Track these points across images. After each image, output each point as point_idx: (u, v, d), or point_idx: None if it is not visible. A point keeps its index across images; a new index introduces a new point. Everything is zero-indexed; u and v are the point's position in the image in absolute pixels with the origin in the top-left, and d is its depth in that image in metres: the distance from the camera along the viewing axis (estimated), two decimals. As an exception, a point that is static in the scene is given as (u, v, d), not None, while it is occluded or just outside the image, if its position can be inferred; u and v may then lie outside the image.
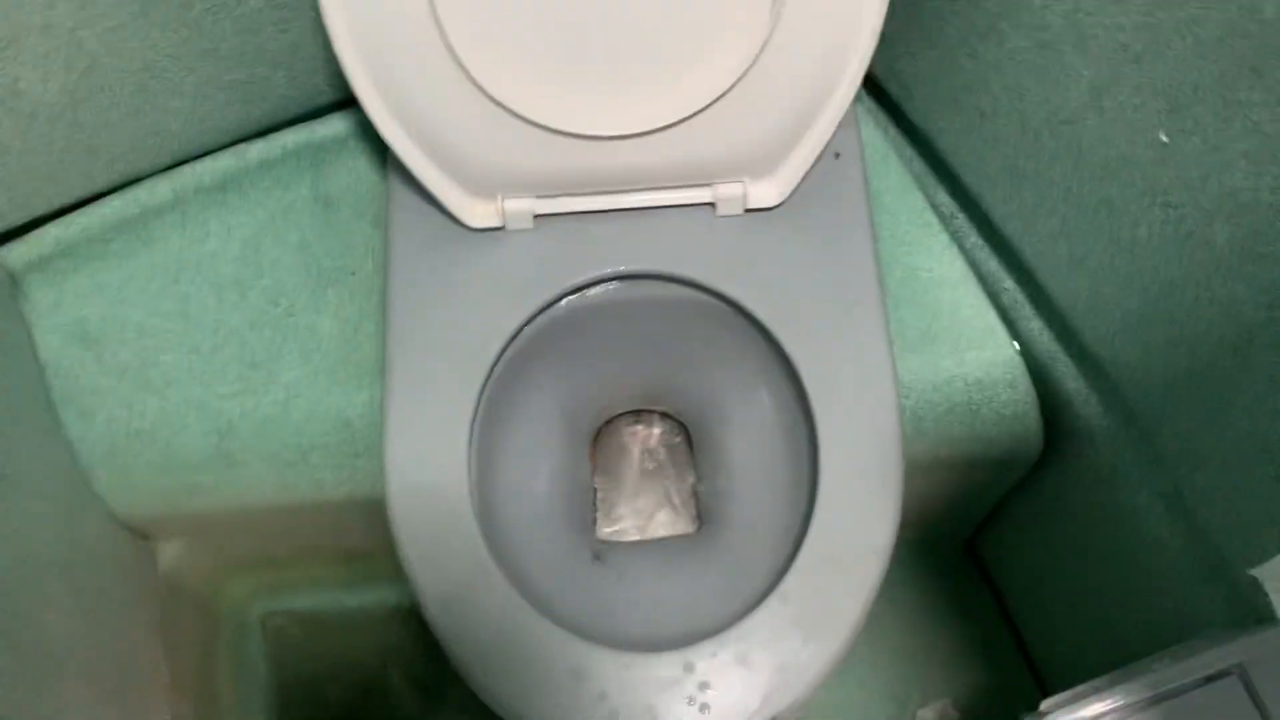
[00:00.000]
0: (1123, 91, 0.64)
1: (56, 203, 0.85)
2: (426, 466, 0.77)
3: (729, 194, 0.81)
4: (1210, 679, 0.62)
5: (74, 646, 0.77)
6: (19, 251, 0.85)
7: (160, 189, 0.88)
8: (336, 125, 0.91)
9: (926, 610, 1.16)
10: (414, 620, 1.15)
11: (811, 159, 0.79)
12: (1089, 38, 0.65)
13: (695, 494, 0.92)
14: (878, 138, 0.92)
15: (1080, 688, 0.65)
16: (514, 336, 0.81)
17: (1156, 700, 0.62)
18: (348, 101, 0.91)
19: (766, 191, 0.82)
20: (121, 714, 0.83)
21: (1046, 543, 0.99)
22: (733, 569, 0.83)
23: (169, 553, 0.96)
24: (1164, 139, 0.62)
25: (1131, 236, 0.69)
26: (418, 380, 0.79)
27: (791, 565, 0.73)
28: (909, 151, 0.93)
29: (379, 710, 1.14)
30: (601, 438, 0.94)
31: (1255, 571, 0.57)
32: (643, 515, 0.92)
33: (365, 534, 0.95)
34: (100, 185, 0.86)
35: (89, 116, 0.78)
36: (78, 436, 0.84)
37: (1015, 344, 0.87)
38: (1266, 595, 0.63)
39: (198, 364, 0.86)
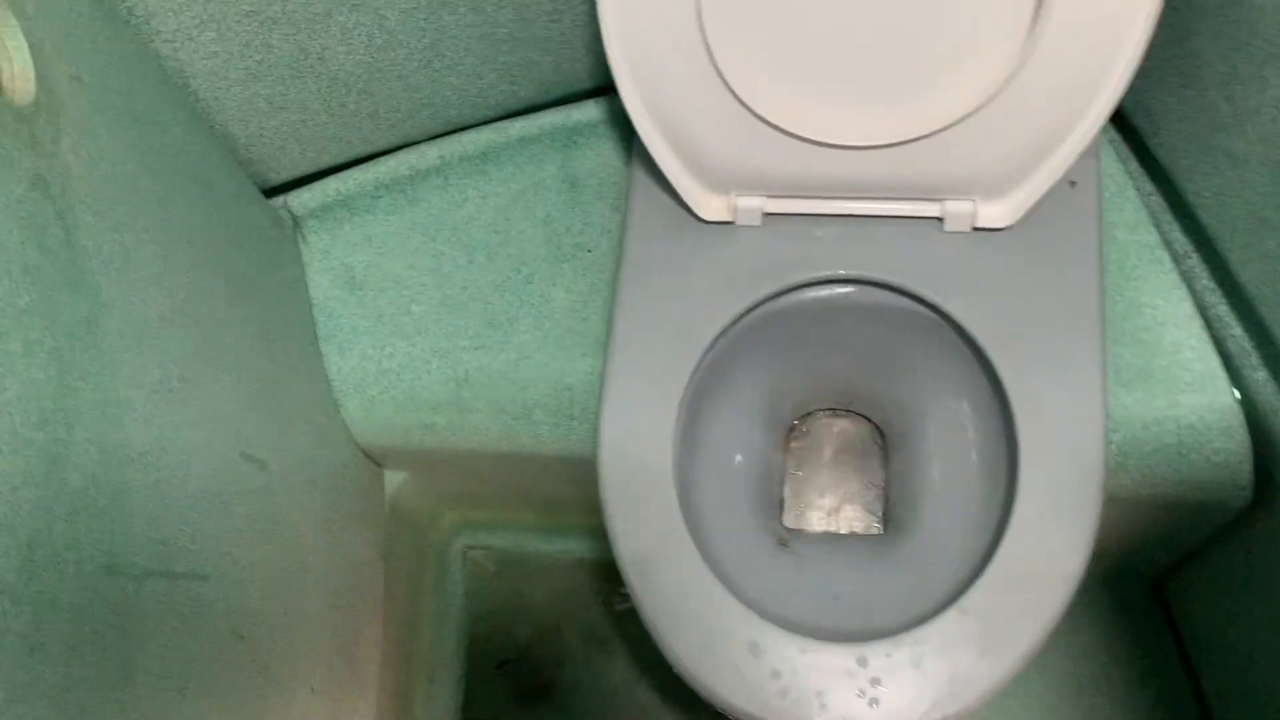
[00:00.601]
0: (1388, 155, 0.63)
1: (340, 158, 0.96)
2: (636, 436, 0.83)
3: (958, 211, 0.83)
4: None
5: (316, 554, 0.87)
6: (304, 198, 0.96)
7: (429, 154, 0.97)
8: (590, 111, 0.98)
9: (1104, 642, 1.15)
10: (598, 571, 1.23)
11: (1047, 186, 0.80)
12: (1360, 97, 0.63)
13: (885, 496, 0.95)
14: (1116, 169, 0.91)
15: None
16: (731, 325, 0.85)
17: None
18: (603, 90, 0.98)
19: (997, 213, 0.83)
20: (347, 622, 0.94)
21: (1242, 597, 0.96)
22: (914, 574, 0.85)
23: (396, 481, 1.06)
24: None
25: (1378, 302, 0.67)
26: (637, 356, 0.85)
27: (977, 580, 0.75)
28: (1148, 186, 0.92)
29: (559, 649, 1.22)
30: (799, 430, 0.97)
31: None
32: (830, 510, 0.95)
33: (569, 488, 1.03)
34: (378, 146, 0.96)
35: (379, 86, 0.87)
36: (334, 369, 0.95)
37: (1236, 392, 0.85)
38: None
39: (444, 316, 0.94)
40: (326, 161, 0.95)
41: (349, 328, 0.95)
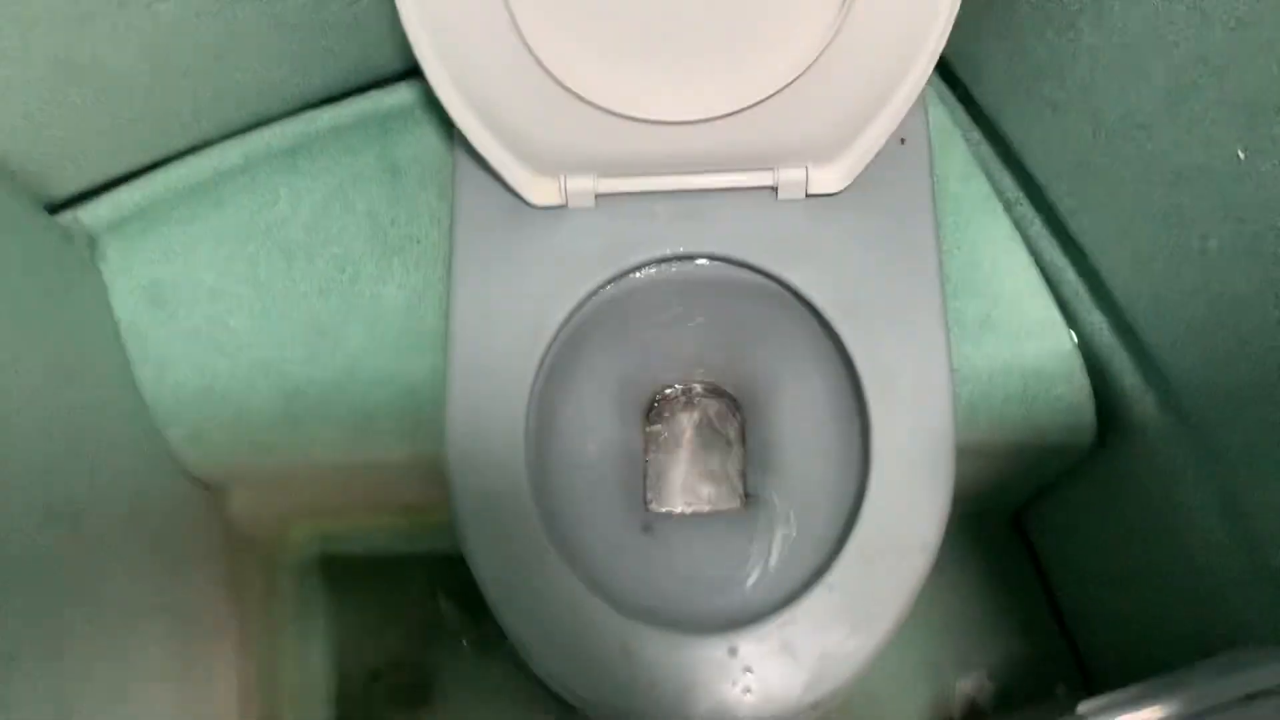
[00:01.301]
0: (1200, 103, 0.63)
1: (132, 164, 0.87)
2: (485, 435, 0.79)
3: (790, 179, 0.81)
4: (1252, 697, 0.62)
5: (150, 598, 0.81)
6: (97, 212, 0.87)
7: (230, 153, 0.89)
8: (404, 94, 0.92)
9: (968, 581, 1.18)
10: (464, 565, 1.20)
11: (876, 147, 0.79)
12: (1169, 45, 0.63)
13: (743, 472, 0.93)
14: (945, 119, 0.91)
15: (1118, 694, 0.66)
16: (574, 311, 0.82)
17: (1195, 715, 0.63)
18: (417, 70, 0.91)
19: (829, 177, 0.81)
20: (196, 661, 0.88)
21: (1096, 527, 0.99)
22: (780, 551, 0.85)
23: (236, 504, 1.00)
24: (1241, 155, 0.61)
25: (1201, 247, 0.68)
26: (479, 350, 0.81)
27: (839, 555, 0.75)
28: (975, 135, 0.91)
29: (434, 651, 1.18)
30: (655, 411, 0.95)
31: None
32: (692, 489, 0.94)
33: (423, 489, 0.98)
34: (173, 148, 0.88)
35: (163, 84, 0.80)
36: (151, 395, 0.87)
37: (1073, 336, 0.86)
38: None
39: (266, 328, 0.88)
40: (117, 170, 0.87)
41: (162, 349, 0.87)
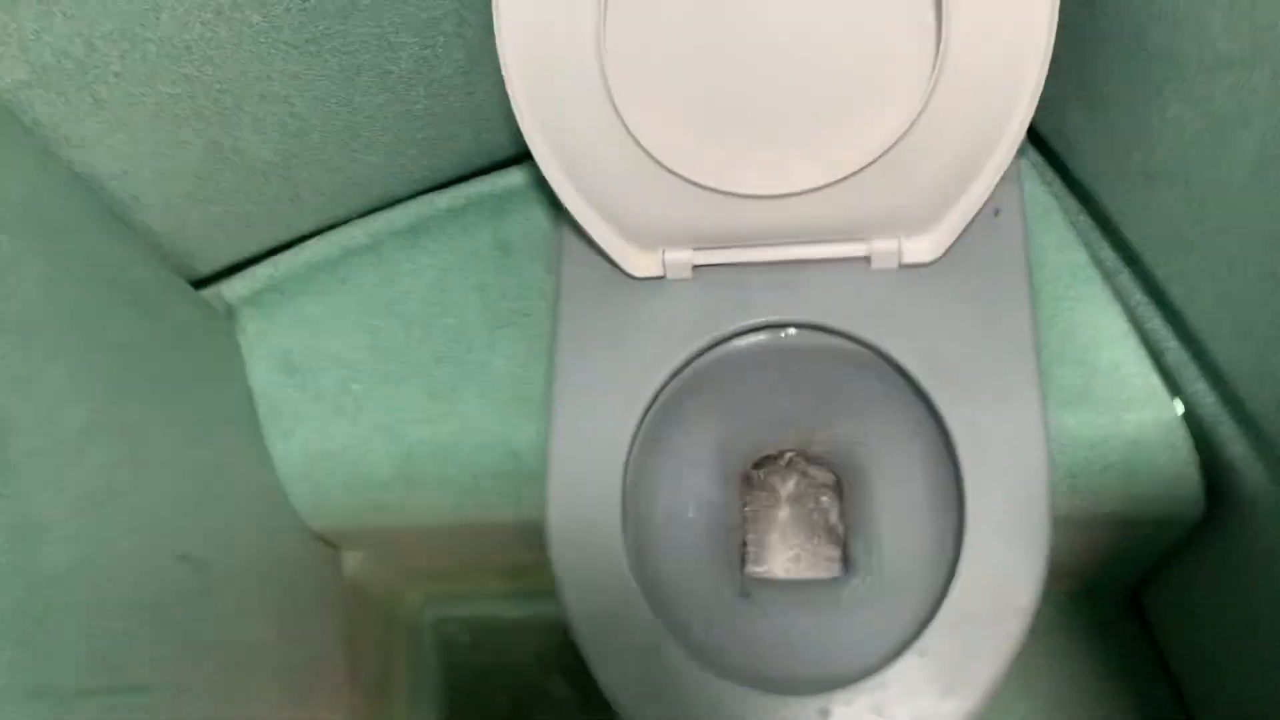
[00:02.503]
0: (1288, 167, 0.63)
1: (268, 244, 0.95)
2: (584, 500, 0.82)
3: (884, 249, 0.83)
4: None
5: (269, 648, 0.86)
6: (236, 286, 0.96)
7: (358, 233, 0.97)
8: (516, 177, 0.98)
9: (1084, 660, 1.14)
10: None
11: (968, 218, 0.80)
12: (1252, 113, 0.64)
13: (843, 539, 0.94)
14: (1041, 191, 0.92)
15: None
16: (670, 378, 0.85)
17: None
18: (527, 154, 0.98)
19: (922, 248, 0.83)
20: (308, 714, 0.92)
21: (1213, 605, 0.96)
22: (874, 616, 0.85)
23: (353, 562, 1.05)
24: (1331, 218, 0.61)
25: (1298, 311, 0.67)
26: (579, 418, 0.84)
27: (932, 620, 0.74)
28: (1074, 206, 0.92)
29: (541, 714, 1.20)
30: (752, 478, 0.97)
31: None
32: (790, 555, 0.95)
33: (529, 552, 1.01)
34: (305, 229, 0.96)
35: (297, 171, 0.87)
36: (279, 456, 0.94)
37: (1178, 405, 0.85)
38: None
39: (385, 393, 0.94)
40: (255, 248, 0.95)
41: (290, 413, 0.94)
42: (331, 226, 0.97)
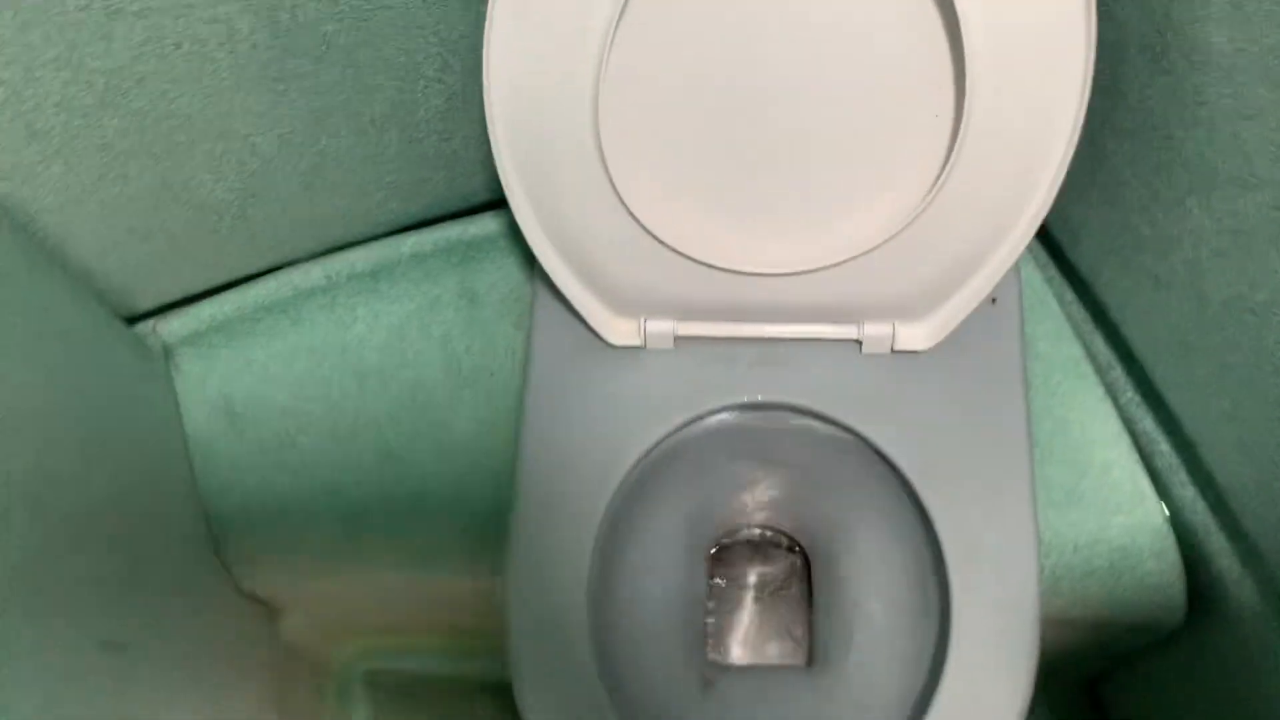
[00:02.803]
0: (1319, 297, 0.60)
1: (213, 282, 0.88)
2: (548, 573, 0.77)
3: (876, 334, 0.79)
4: None
5: (196, 706, 0.79)
6: (174, 325, 0.88)
7: (313, 273, 0.90)
8: (488, 224, 0.92)
9: (1039, 745, 1.12)
10: (508, 694, 1.16)
11: (969, 309, 0.77)
12: (1287, 237, 0.61)
13: (811, 626, 0.90)
14: (1036, 277, 0.89)
15: None
16: (646, 454, 0.80)
17: None
18: (502, 201, 0.92)
19: (916, 335, 0.79)
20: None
21: (1178, 706, 0.94)
22: (844, 712, 0.81)
23: (290, 621, 0.98)
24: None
25: (1315, 443, 0.64)
26: (547, 487, 0.79)
27: (915, 733, 0.71)
28: (1069, 295, 0.89)
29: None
30: (720, 559, 0.92)
31: None
32: (754, 643, 0.90)
33: (477, 615, 0.96)
34: (256, 267, 0.89)
35: (253, 211, 0.80)
36: (214, 510, 0.87)
37: (1165, 511, 0.83)
38: None
39: (334, 449, 0.87)
40: (199, 286, 0.87)
41: (228, 464, 0.87)
42: (285, 265, 0.90)
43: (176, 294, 0.86)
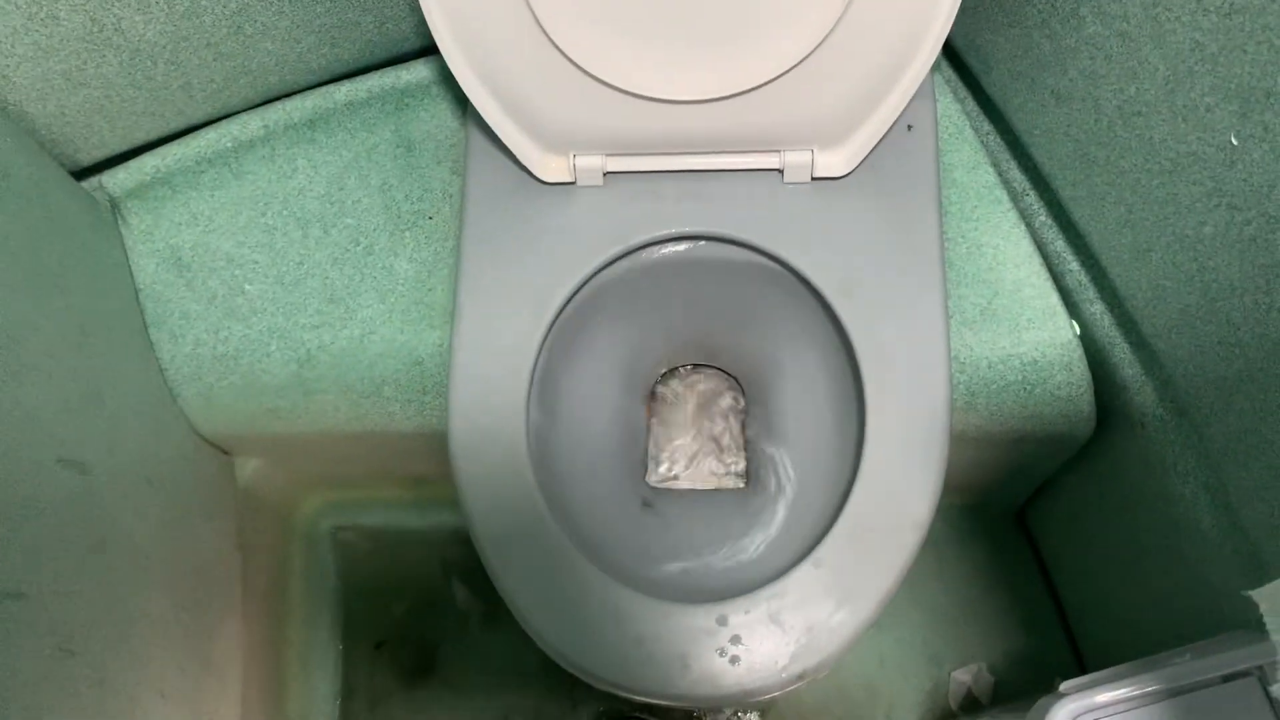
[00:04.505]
0: (1196, 89, 0.64)
1: (154, 134, 0.90)
2: (488, 410, 0.80)
3: (796, 161, 0.82)
4: (1229, 678, 0.63)
5: (157, 554, 0.83)
6: (120, 179, 0.90)
7: (251, 124, 0.92)
8: (421, 72, 0.94)
9: (971, 574, 1.18)
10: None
11: (881, 132, 0.80)
12: (1166, 32, 0.64)
13: (745, 451, 0.95)
14: (954, 109, 0.92)
15: (1099, 674, 0.67)
16: (579, 287, 0.84)
17: (1172, 693, 0.63)
18: (433, 48, 0.93)
19: (834, 161, 0.82)
20: (199, 619, 0.90)
21: (1094, 521, 1.00)
22: (775, 528, 0.86)
23: (248, 469, 1.02)
24: (1234, 141, 0.62)
25: (1196, 234, 0.68)
26: (484, 325, 0.82)
27: (829, 532, 0.76)
28: (985, 125, 0.92)
29: (438, 623, 1.20)
30: (659, 389, 0.96)
31: (1252, 594, 0.57)
32: (693, 466, 0.95)
33: (432, 462, 1.00)
34: (195, 119, 0.90)
35: (186, 55, 0.82)
36: (167, 358, 0.90)
37: (1075, 326, 0.87)
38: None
39: (281, 295, 0.90)
40: (141, 138, 0.89)
41: (179, 312, 0.90)
42: (224, 117, 0.91)
43: (119, 146, 0.88)
